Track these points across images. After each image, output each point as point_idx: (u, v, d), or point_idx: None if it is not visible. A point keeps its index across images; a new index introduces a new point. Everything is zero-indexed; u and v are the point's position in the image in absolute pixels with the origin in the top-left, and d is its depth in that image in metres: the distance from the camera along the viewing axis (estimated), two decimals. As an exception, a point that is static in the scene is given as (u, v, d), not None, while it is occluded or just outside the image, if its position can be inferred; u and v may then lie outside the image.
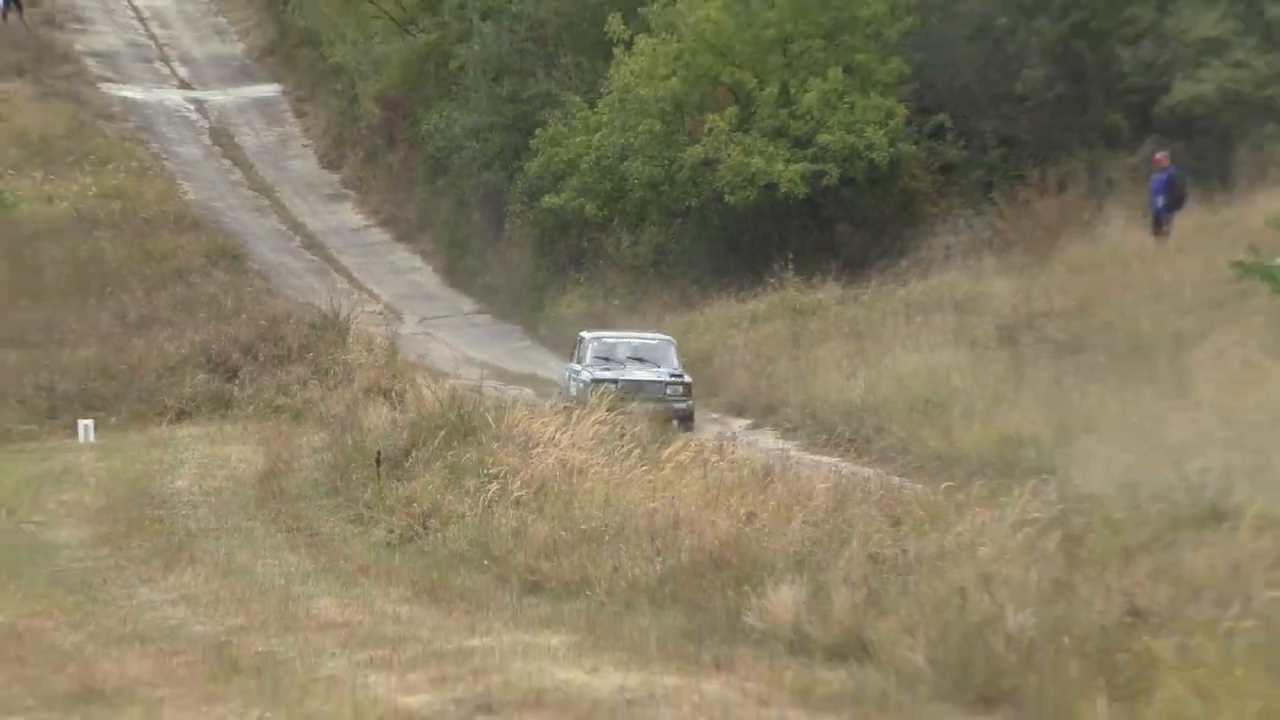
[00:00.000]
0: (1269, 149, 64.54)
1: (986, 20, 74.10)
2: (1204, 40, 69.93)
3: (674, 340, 65.16)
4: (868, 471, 55.20)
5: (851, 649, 39.10)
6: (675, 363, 62.82)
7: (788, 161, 74.32)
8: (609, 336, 65.43)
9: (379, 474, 59.43)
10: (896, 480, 55.40)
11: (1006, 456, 56.61)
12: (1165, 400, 57.99)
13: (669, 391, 59.88)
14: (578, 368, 63.35)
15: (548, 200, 77.93)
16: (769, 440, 60.27)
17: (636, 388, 58.98)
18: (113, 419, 65.03)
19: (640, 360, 62.44)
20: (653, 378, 60.46)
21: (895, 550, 42.64)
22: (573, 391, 64.57)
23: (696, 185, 74.86)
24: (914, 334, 67.58)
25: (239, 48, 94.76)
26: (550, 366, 71.65)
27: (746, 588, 42.45)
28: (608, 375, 60.08)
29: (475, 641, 43.91)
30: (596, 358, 62.65)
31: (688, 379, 61.41)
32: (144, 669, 42.10)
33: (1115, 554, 39.86)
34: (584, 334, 66.62)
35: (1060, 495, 45.53)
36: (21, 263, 75.85)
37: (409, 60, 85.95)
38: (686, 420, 60.18)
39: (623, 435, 59.52)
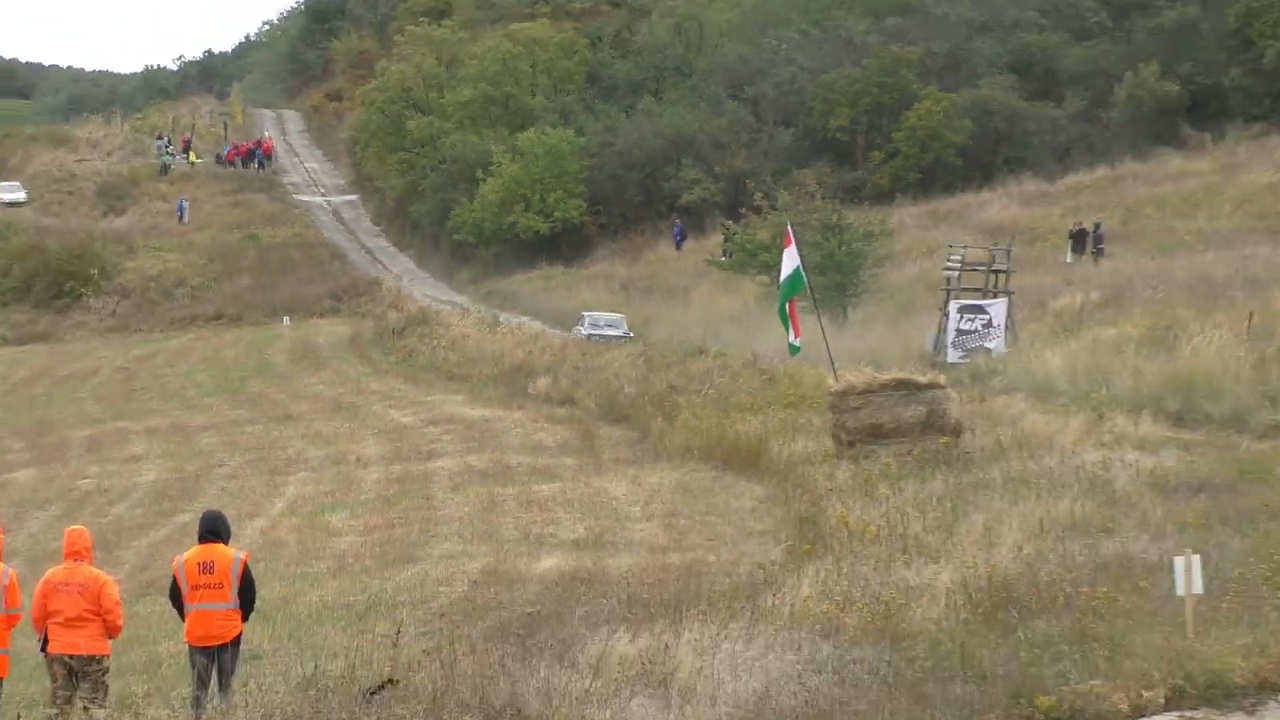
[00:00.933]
0: (716, 220, 62.76)
1: (616, 171, 72.24)
2: (692, 179, 68.33)
3: (624, 316, 57.25)
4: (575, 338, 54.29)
5: (568, 401, 42.29)
6: (625, 326, 55.67)
7: (544, 222, 71.34)
8: (594, 313, 57.76)
9: (394, 337, 57.65)
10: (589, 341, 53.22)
11: (627, 331, 54.63)
12: (681, 310, 57.30)
13: (623, 340, 52.52)
14: (581, 329, 56.14)
15: (457, 236, 74.15)
16: (538, 325, 57.44)
17: (608, 339, 52.82)
18: (296, 316, 63.41)
19: (610, 325, 55.26)
20: (616, 333, 53.96)
21: (584, 364, 46.10)
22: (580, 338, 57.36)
23: (511, 230, 71.66)
24: (591, 286, 64.81)
25: (342, 180, 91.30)
26: (456, 299, 67.18)
27: (529, 378, 45.98)
28: (596, 331, 53.99)
29: (429, 398, 44.49)
30: (590, 324, 55.79)
31: (632, 335, 54.95)
32: (305, 408, 47.21)
33: (664, 364, 43.00)
34: (583, 313, 58.58)
35: (644, 344, 48.80)
36: (263, 261, 72.04)
37: (406, 186, 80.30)
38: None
39: (484, 323, 57.61)
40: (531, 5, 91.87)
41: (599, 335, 54.65)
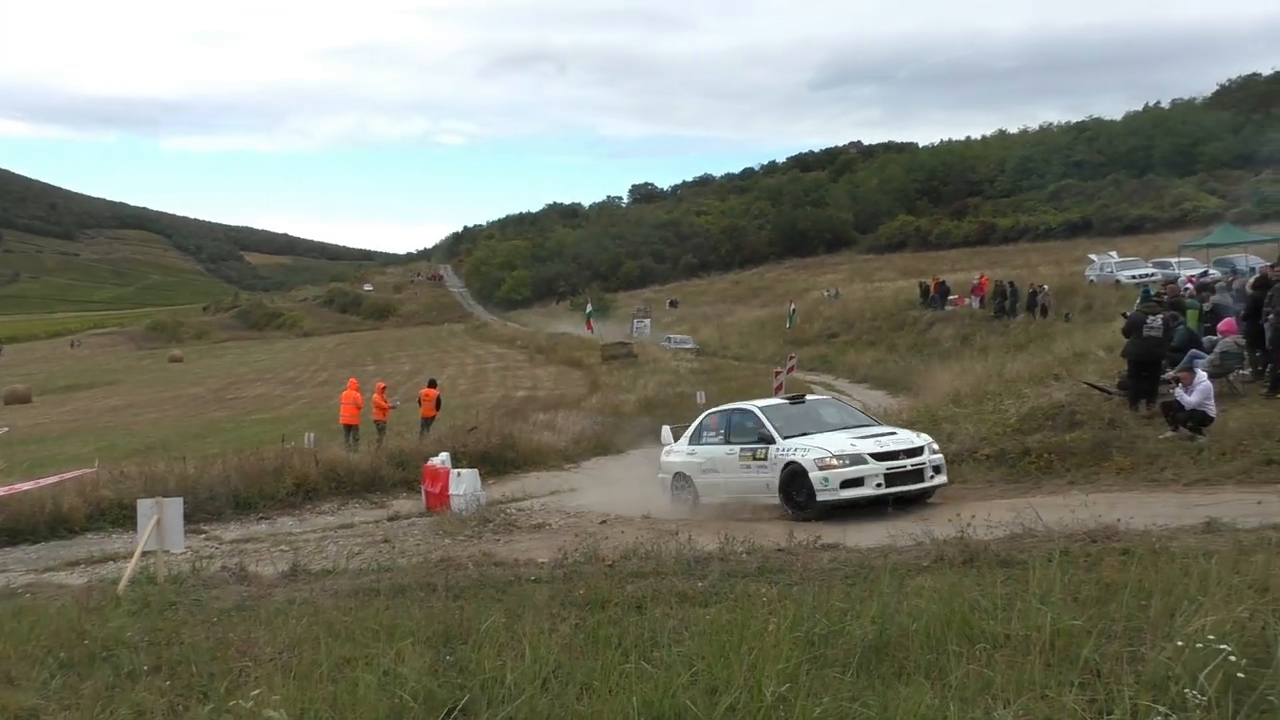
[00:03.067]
0: (570, 296, 50.34)
1: (542, 281, 63.52)
2: (565, 287, 60.43)
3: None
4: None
5: (528, 348, 34.87)
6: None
7: (520, 295, 60.14)
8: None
9: (476, 329, 46.87)
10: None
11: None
12: (559, 324, 41.36)
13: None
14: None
15: (497, 299, 64.86)
16: (517, 326, 46.91)
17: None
18: (449, 322, 53.87)
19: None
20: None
21: (529, 340, 36.10)
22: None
23: (510, 297, 61.93)
24: (535, 317, 50.08)
25: (463, 284, 74.21)
26: (496, 319, 51.70)
27: (516, 342, 36.18)
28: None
29: (488, 350, 37.32)
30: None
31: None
32: (450, 352, 36.49)
33: (555, 340, 33.63)
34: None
35: (546, 332, 38.13)
36: (438, 306, 64.71)
37: (480, 284, 66.94)
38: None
39: (504, 326, 46.27)
40: (518, 235, 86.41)
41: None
